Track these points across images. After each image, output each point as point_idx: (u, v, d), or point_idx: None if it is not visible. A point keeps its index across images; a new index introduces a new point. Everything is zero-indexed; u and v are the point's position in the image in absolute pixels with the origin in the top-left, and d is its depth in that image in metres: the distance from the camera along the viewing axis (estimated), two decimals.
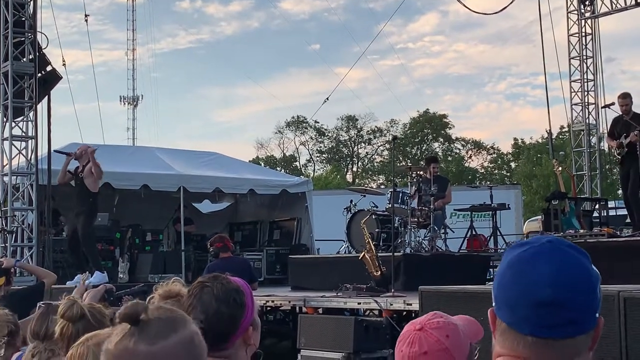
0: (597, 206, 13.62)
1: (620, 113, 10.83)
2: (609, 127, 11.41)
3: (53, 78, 13.61)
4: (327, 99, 24.52)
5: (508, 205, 14.05)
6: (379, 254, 10.02)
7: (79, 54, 69.45)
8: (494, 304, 1.45)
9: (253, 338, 2.29)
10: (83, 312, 2.51)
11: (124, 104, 42.88)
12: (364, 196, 12.29)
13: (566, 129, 29.21)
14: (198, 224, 15.85)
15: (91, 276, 10.43)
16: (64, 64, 15.34)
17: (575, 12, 18.02)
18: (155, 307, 1.55)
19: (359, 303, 8.87)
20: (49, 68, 13.51)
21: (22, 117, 12.92)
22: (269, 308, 11.57)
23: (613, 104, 11.26)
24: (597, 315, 1.42)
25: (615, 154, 11.04)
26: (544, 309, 1.37)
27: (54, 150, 11.45)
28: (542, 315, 1.37)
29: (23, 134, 12.83)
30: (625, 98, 10.81)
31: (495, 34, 72.52)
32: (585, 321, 1.40)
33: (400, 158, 50.72)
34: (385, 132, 55.31)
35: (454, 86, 75.35)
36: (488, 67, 75.14)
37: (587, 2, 17.81)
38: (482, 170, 55.88)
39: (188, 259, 14.12)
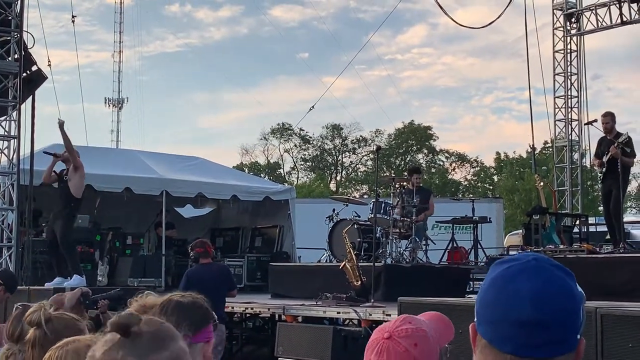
0: (577, 222, 13.72)
1: (603, 133, 11.02)
2: (594, 146, 11.62)
3: (38, 78, 13.53)
4: (313, 107, 24.57)
5: (489, 218, 14.11)
6: (360, 264, 10.03)
7: (65, 54, 69.07)
8: (475, 320, 1.44)
9: (210, 354, 2.34)
10: (40, 321, 2.51)
11: (109, 106, 42.78)
12: (347, 205, 12.30)
13: (549, 145, 29.39)
14: (180, 228, 15.80)
15: (70, 279, 10.38)
16: (49, 64, 15.26)
17: (562, 28, 18.17)
18: (147, 320, 1.53)
19: (338, 312, 8.87)
20: (34, 68, 13.44)
21: (5, 117, 12.83)
22: (248, 315, 11.55)
23: (595, 120, 11.39)
24: (579, 336, 1.40)
25: (598, 172, 11.18)
26: (525, 328, 1.35)
27: (43, 152, 11.40)
28: (523, 335, 1.35)
29: (6, 133, 12.73)
30: (606, 117, 11.02)
31: (484, 47, 72.92)
32: (567, 342, 1.38)
33: (384, 168, 50.78)
34: (370, 142, 55.42)
35: (440, 98, 75.64)
36: (475, 80, 75.48)
37: (573, 20, 17.96)
38: (465, 183, 56.10)
39: (168, 264, 14.06)
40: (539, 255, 1.45)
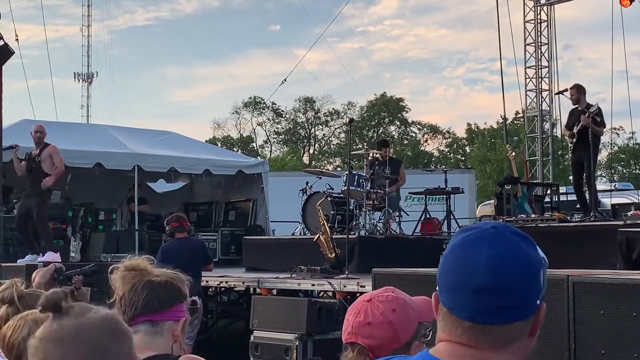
0: (548, 191, 13.82)
1: (572, 104, 11.16)
2: (565, 116, 11.71)
3: (5, 53, 13.29)
4: (285, 80, 24.51)
5: (462, 189, 14.18)
6: (334, 236, 10.05)
7: (34, 29, 68.19)
8: (437, 288, 1.45)
9: (179, 333, 2.33)
10: (13, 297, 2.50)
11: (79, 80, 42.27)
12: (320, 178, 12.30)
13: (520, 115, 29.58)
14: (152, 203, 15.72)
15: (42, 256, 10.31)
16: (17, 39, 15.04)
17: None
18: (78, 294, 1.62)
19: (313, 285, 8.91)
20: (1, 43, 13.21)
21: None
22: (223, 289, 11.55)
23: (566, 90, 11.45)
24: (539, 302, 1.41)
25: (569, 142, 11.28)
26: (482, 294, 1.36)
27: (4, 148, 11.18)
28: (480, 301, 1.37)
29: None
30: (572, 88, 11.16)
31: (456, 18, 72.98)
32: (524, 308, 1.39)
33: (357, 141, 50.83)
34: (343, 114, 55.36)
35: (412, 70, 75.71)
36: (447, 51, 75.58)
37: None
38: (438, 154, 56.34)
39: (142, 239, 14.01)
40: (498, 223, 1.46)
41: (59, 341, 1.47)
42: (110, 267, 2.46)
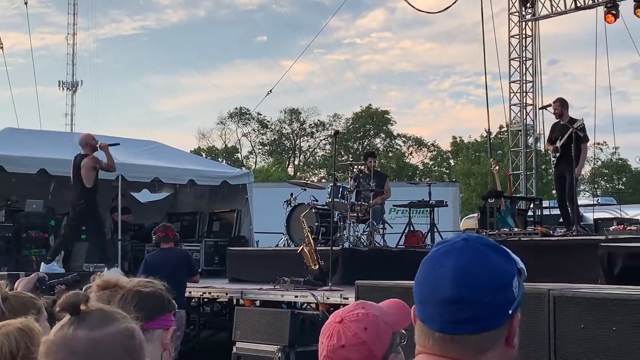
0: (531, 205, 13.90)
1: (555, 118, 11.25)
2: (548, 132, 11.79)
3: None
4: (271, 91, 24.55)
5: (446, 202, 14.22)
6: (318, 248, 10.06)
7: (19, 36, 68.01)
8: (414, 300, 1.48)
9: (168, 341, 2.34)
10: None
11: (63, 89, 42.07)
12: (305, 190, 12.32)
13: (505, 129, 29.75)
14: (136, 213, 15.66)
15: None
16: (1, 47, 15.00)
17: (517, 13, 18.36)
18: (96, 302, 1.59)
19: (296, 296, 8.91)
20: None
21: None
22: (206, 300, 11.52)
23: (550, 105, 11.54)
24: (511, 312, 1.41)
25: (552, 157, 11.35)
26: (448, 306, 1.38)
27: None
28: (447, 312, 1.39)
29: None
30: (555, 102, 11.25)
31: (442, 32, 73.40)
32: (492, 318, 1.40)
33: (342, 153, 50.88)
34: (328, 126, 55.46)
35: (398, 83, 75.96)
36: (433, 65, 75.90)
37: (528, 5, 18.15)
38: (422, 167, 56.49)
39: (125, 249, 13.95)
40: (470, 236, 1.48)
41: (72, 353, 1.47)
42: (84, 289, 2.45)
